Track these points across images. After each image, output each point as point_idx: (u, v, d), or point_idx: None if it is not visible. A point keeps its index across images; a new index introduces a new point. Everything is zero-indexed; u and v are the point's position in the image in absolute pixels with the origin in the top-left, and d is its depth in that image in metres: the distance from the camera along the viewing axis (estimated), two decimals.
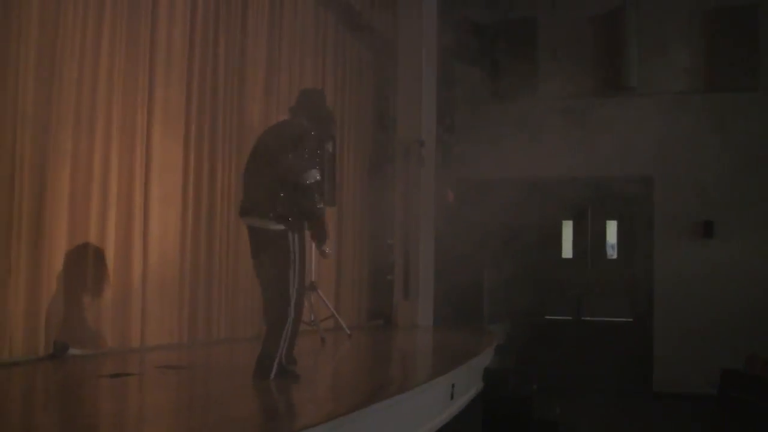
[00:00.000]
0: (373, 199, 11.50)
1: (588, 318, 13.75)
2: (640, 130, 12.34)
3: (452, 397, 5.77)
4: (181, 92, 7.48)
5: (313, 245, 5.98)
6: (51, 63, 6.00)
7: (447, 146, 12.83)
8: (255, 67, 8.64)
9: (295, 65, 9.50)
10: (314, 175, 5.28)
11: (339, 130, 10.71)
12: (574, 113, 12.57)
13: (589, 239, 14.58)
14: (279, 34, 9.15)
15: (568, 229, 15.02)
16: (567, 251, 15.01)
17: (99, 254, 6.48)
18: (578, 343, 12.79)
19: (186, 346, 7.26)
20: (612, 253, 15.08)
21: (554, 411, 7.91)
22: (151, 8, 7.12)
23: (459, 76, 13.45)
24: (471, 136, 13.07)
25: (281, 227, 5.13)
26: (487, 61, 13.19)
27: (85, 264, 6.37)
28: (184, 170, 7.51)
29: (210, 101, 7.91)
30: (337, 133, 10.32)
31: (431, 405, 5.30)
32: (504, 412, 7.39)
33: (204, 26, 7.84)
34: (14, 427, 3.60)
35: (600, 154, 12.46)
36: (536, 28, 13.27)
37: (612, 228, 14.96)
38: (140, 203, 6.92)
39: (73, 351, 6.09)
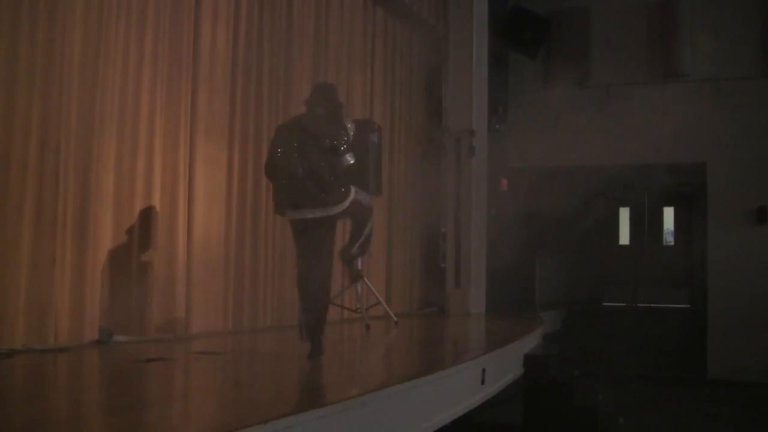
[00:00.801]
0: (425, 188, 11.67)
1: (644, 305, 13.72)
2: (692, 116, 12.24)
3: (483, 382, 5.93)
4: (225, 90, 7.72)
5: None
6: (95, 64, 6.28)
7: (500, 135, 12.91)
8: (301, 64, 8.86)
9: (342, 61, 9.71)
10: (348, 160, 5.65)
11: (390, 120, 10.95)
12: (628, 100, 12.53)
13: (646, 226, 14.56)
14: (325, 31, 9.37)
15: (625, 215, 15.04)
16: (624, 238, 15.04)
17: (144, 242, 6.77)
18: (633, 330, 12.77)
19: (231, 333, 7.53)
20: (669, 239, 15.06)
21: (596, 398, 7.98)
22: (194, 9, 7.38)
23: (512, 64, 13.54)
24: (525, 125, 13.13)
25: (340, 210, 5.56)
26: (541, 49, 13.22)
27: (130, 252, 6.68)
28: (229, 164, 7.76)
29: (255, 97, 8.14)
30: (385, 124, 10.58)
31: (459, 389, 5.48)
32: (544, 397, 7.53)
33: (248, 25, 8.07)
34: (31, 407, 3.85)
35: (653, 140, 12.42)
36: (589, 16, 13.24)
37: (669, 214, 14.94)
38: (184, 194, 7.20)
39: (117, 338, 6.42)
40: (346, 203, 5.65)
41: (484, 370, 5.96)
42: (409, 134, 11.47)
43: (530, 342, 8.26)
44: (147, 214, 6.86)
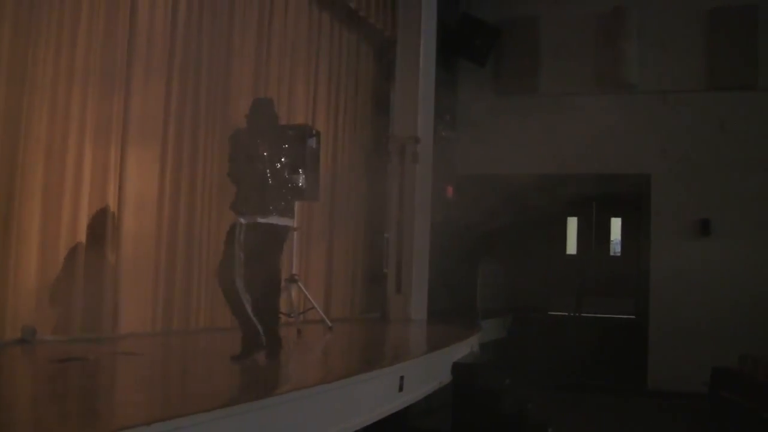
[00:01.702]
0: (369, 193, 11.66)
1: (589, 314, 13.79)
2: (639, 127, 12.36)
3: (401, 389, 5.91)
4: (160, 90, 7.62)
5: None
6: (24, 57, 6.17)
7: (447, 142, 12.93)
8: (242, 66, 8.80)
9: (285, 64, 9.67)
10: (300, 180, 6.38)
11: (334, 125, 10.93)
12: (576, 110, 12.61)
13: (593, 236, 14.66)
14: (268, 32, 9.32)
15: (572, 225, 15.14)
16: (571, 247, 15.13)
17: (71, 240, 6.68)
18: (577, 340, 12.82)
19: (159, 335, 7.46)
20: (617, 250, 15.18)
21: (525, 406, 8.01)
22: (130, 6, 7.29)
23: (461, 72, 13.57)
24: (473, 133, 13.17)
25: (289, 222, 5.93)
26: (490, 57, 13.27)
27: (57, 250, 6.57)
28: (162, 164, 7.68)
29: (191, 99, 8.04)
30: (328, 129, 10.57)
31: (373, 395, 5.46)
32: (472, 405, 7.54)
33: (187, 23, 7.97)
34: None
35: (600, 150, 12.52)
36: (538, 26, 13.32)
37: (617, 225, 15.05)
38: (114, 193, 7.10)
39: (42, 336, 6.34)
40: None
41: (402, 377, 5.94)
42: (354, 140, 11.44)
43: (462, 349, 8.26)
44: (75, 212, 6.77)
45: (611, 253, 15.11)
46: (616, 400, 11.87)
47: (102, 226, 7.00)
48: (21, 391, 4.64)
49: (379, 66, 12.16)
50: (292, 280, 8.74)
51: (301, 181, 6.24)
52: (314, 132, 8.90)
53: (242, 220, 5.70)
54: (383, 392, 5.67)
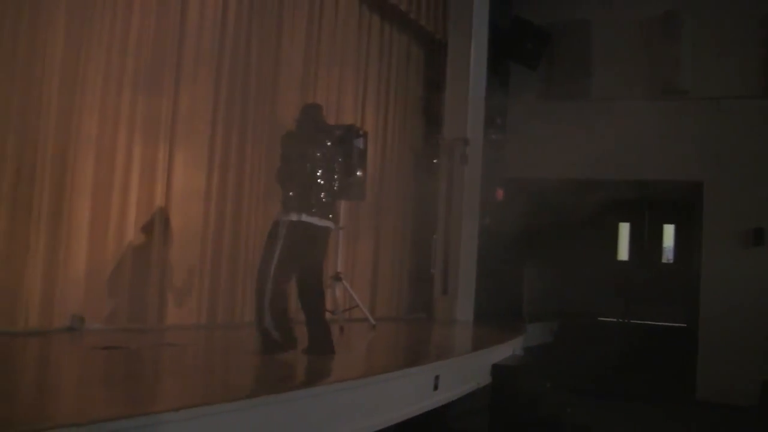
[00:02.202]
0: (417, 194, 11.72)
1: (638, 321, 13.66)
2: (691, 134, 12.18)
3: (436, 388, 5.96)
4: (208, 88, 7.82)
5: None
6: (77, 58, 6.45)
7: (497, 145, 12.92)
8: (290, 67, 8.95)
9: (334, 66, 9.79)
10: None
11: (383, 126, 11.01)
12: (628, 115, 12.48)
13: (645, 242, 14.51)
14: (317, 34, 9.46)
15: (624, 231, 14.99)
16: (623, 253, 14.99)
17: (119, 234, 6.91)
18: (625, 347, 12.68)
19: (204, 327, 7.63)
20: (669, 257, 14.98)
21: (565, 410, 7.99)
22: (181, 3, 7.49)
23: (513, 75, 13.55)
24: (524, 136, 13.12)
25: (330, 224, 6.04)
26: (541, 60, 13.23)
27: (105, 242, 6.80)
28: (210, 160, 7.87)
29: (240, 97, 8.22)
30: (377, 130, 10.66)
31: (406, 393, 5.52)
32: (509, 408, 7.55)
33: (236, 24, 8.16)
34: None
35: (651, 157, 12.36)
36: (590, 30, 13.21)
37: (669, 232, 14.86)
38: (162, 188, 7.34)
39: (90, 325, 6.54)
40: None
41: (437, 377, 5.99)
42: (403, 140, 11.51)
43: (503, 352, 8.27)
44: (124, 207, 6.99)
45: (663, 260, 14.91)
46: (663, 409, 11.71)
47: (149, 220, 7.22)
48: (63, 374, 4.83)
49: (430, 68, 12.20)
50: (337, 278, 8.85)
51: (338, 184, 6.23)
52: (362, 132, 9.00)
53: (285, 218, 5.80)
54: (417, 390, 5.72)
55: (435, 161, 11.82)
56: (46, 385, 4.51)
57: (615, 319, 13.84)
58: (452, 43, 11.82)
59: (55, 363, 5.41)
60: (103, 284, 6.82)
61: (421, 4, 11.14)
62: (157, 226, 7.28)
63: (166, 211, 7.40)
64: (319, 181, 5.96)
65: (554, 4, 13.19)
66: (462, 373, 6.70)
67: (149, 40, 7.15)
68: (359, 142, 8.90)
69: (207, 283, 7.82)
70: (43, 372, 5.01)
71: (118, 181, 6.92)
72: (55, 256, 6.32)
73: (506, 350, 8.42)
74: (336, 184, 6.12)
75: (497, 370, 7.66)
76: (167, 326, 7.26)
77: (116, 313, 6.91)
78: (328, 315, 8.84)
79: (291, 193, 5.89)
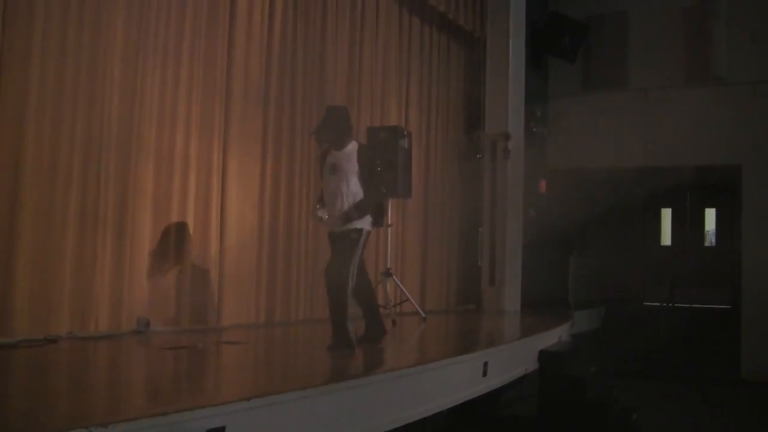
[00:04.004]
0: (463, 189, 12.07)
1: (684, 305, 13.88)
2: (729, 119, 12.36)
3: (485, 374, 6.33)
4: (258, 94, 8.20)
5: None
6: (134, 75, 6.89)
7: (539, 137, 13.23)
8: (335, 71, 9.34)
9: (377, 67, 10.17)
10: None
11: (426, 124, 11.37)
12: (665, 103, 12.72)
13: (688, 227, 14.70)
14: (360, 38, 9.83)
15: (667, 216, 15.19)
16: (666, 238, 15.20)
17: (179, 238, 7.34)
18: (671, 330, 12.93)
19: (262, 326, 8.07)
20: (712, 240, 15.16)
21: (611, 393, 8.28)
22: (228, 21, 7.91)
23: (551, 69, 13.83)
24: (564, 128, 13.40)
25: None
26: (579, 53, 13.49)
27: (167, 248, 7.24)
28: (262, 163, 8.27)
29: (289, 101, 8.61)
30: (421, 128, 11.01)
31: (456, 380, 5.90)
32: (557, 392, 7.87)
33: (282, 32, 8.57)
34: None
35: (690, 143, 12.58)
36: (627, 20, 13.43)
37: (711, 216, 15.04)
38: (218, 193, 7.75)
39: (154, 327, 7.02)
40: None
41: (485, 363, 6.35)
42: (446, 138, 11.86)
43: (550, 338, 8.60)
44: (183, 212, 7.42)
45: (706, 244, 15.11)
46: (709, 389, 11.94)
47: (207, 225, 7.65)
48: (139, 372, 5.30)
49: (470, 65, 12.52)
50: (387, 274, 9.23)
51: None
52: (406, 132, 9.37)
53: (366, 227, 6.15)
54: (467, 377, 6.09)
55: (478, 156, 12.14)
56: (129, 381, 4.97)
57: (660, 303, 14.07)
58: (491, 40, 12.15)
59: (130, 362, 5.86)
60: (165, 288, 7.25)
61: (459, 4, 11.45)
62: (214, 229, 7.72)
63: (222, 214, 7.83)
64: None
65: None
66: (510, 360, 7.05)
67: (201, 53, 7.57)
68: (404, 142, 9.28)
69: (264, 283, 8.24)
70: (124, 370, 5.49)
71: (177, 188, 7.34)
72: (121, 262, 6.76)
73: (553, 337, 8.74)
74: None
75: (544, 356, 7.99)
76: (227, 326, 7.67)
77: (179, 314, 7.35)
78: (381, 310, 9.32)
79: (369, 203, 6.19)
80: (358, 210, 6.05)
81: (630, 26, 13.41)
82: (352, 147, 6.22)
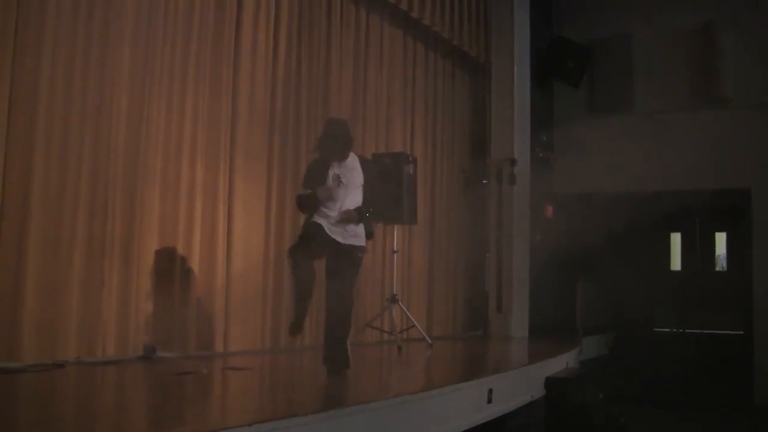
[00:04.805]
0: (469, 215, 12.05)
1: (695, 330, 13.77)
2: (736, 141, 12.32)
3: (490, 401, 6.27)
4: (264, 117, 8.25)
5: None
6: (141, 96, 6.94)
7: (545, 162, 13.22)
8: (339, 96, 9.38)
9: (381, 93, 10.20)
10: None
11: (432, 149, 11.38)
12: (672, 126, 12.70)
13: (698, 251, 14.62)
14: (364, 64, 9.87)
15: (676, 241, 15.12)
16: (675, 263, 15.11)
17: (185, 264, 7.36)
18: (682, 356, 12.80)
19: (267, 352, 8.04)
20: (723, 265, 15.06)
21: (618, 421, 8.22)
22: (233, 41, 7.98)
23: (557, 93, 13.85)
24: (570, 152, 13.38)
25: None
26: (584, 77, 13.50)
27: (173, 274, 7.26)
28: (268, 186, 8.30)
29: (293, 127, 8.64)
30: (426, 153, 11.02)
31: (460, 406, 5.84)
32: (564, 419, 7.81)
33: (287, 55, 8.61)
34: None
35: (698, 166, 12.52)
36: (631, 44, 13.44)
37: (721, 240, 14.95)
38: (224, 217, 7.76)
39: (160, 353, 7.00)
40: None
41: (490, 390, 6.30)
42: (452, 163, 11.86)
43: (556, 365, 8.54)
44: (189, 238, 7.45)
45: (717, 268, 15.01)
46: (721, 416, 11.80)
47: (213, 250, 7.66)
48: (145, 398, 5.28)
49: (474, 91, 12.54)
50: (393, 300, 9.21)
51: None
52: (411, 159, 9.38)
53: (364, 245, 6.16)
54: (471, 404, 6.04)
55: (484, 182, 12.13)
56: (134, 406, 4.96)
57: (670, 329, 13.96)
58: (496, 65, 12.18)
59: (136, 388, 5.86)
60: (172, 314, 7.25)
61: (463, 30, 11.49)
62: (220, 255, 7.72)
63: (227, 239, 7.84)
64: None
65: (594, 22, 13.46)
66: (515, 387, 6.99)
67: (206, 79, 7.61)
68: (409, 168, 9.29)
69: (270, 309, 8.23)
70: (129, 395, 5.49)
71: (183, 214, 7.36)
72: (128, 288, 6.80)
73: (560, 363, 8.68)
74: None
75: (550, 382, 7.93)
76: (233, 351, 7.66)
77: (185, 340, 7.34)
78: (385, 336, 9.29)
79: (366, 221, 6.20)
80: (359, 214, 6.08)
81: (635, 49, 13.40)
82: (353, 159, 6.23)
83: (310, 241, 6.02)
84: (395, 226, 9.52)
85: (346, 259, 6.09)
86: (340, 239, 6.04)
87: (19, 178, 5.96)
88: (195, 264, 7.48)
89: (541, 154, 12.96)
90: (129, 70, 6.84)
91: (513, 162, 11.77)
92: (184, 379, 5.86)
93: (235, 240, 7.89)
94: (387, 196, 8.78)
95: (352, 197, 6.12)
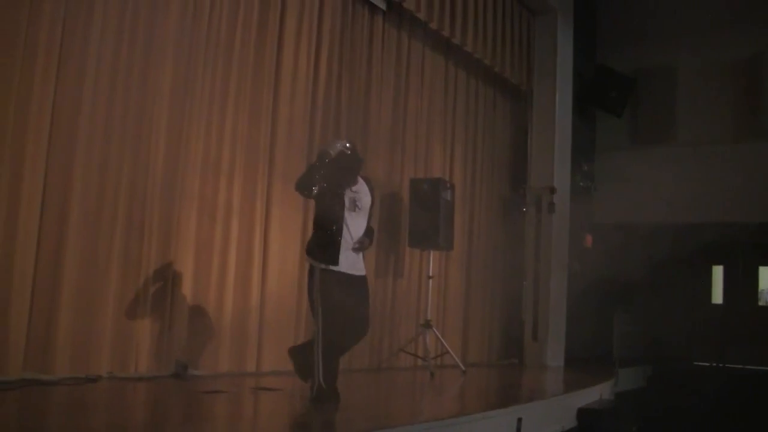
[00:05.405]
0: (506, 242, 12.00)
1: (736, 365, 13.52)
2: None
3: (519, 430, 6.22)
4: (302, 143, 8.30)
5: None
6: (180, 119, 7.07)
7: (586, 192, 13.14)
8: (379, 121, 9.43)
9: (422, 118, 10.23)
10: None
11: (471, 176, 11.36)
12: (715, 158, 12.58)
13: (740, 285, 14.38)
14: (405, 90, 9.92)
15: (718, 274, 14.89)
16: (717, 296, 14.87)
17: (220, 284, 7.43)
18: (722, 391, 12.57)
19: None
20: (766, 299, 14.79)
21: None
22: (275, 67, 8.07)
23: (599, 122, 13.78)
24: (612, 182, 13.30)
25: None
26: (627, 107, 13.43)
27: (207, 293, 7.33)
28: (305, 211, 8.34)
29: None
30: (465, 180, 11.02)
31: None
32: None
33: (327, 78, 8.69)
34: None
35: (741, 199, 12.36)
36: (675, 75, 13.36)
37: (765, 274, 14.70)
38: (260, 239, 7.82)
39: (192, 371, 7.06)
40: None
41: (519, 419, 6.25)
42: (491, 191, 11.83)
43: (590, 396, 8.44)
44: (225, 258, 7.51)
45: (760, 303, 14.74)
46: None
47: (249, 271, 7.71)
48: (173, 414, 5.35)
49: (515, 118, 12.52)
50: (427, 325, 9.20)
51: None
52: (449, 185, 9.40)
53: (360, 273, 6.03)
54: None
55: (523, 210, 12.09)
56: (162, 423, 5.04)
57: (710, 363, 13.72)
58: (537, 93, 12.17)
59: (166, 405, 5.90)
60: (204, 332, 7.33)
61: (505, 57, 11.48)
62: (255, 276, 7.77)
63: (264, 261, 7.90)
64: None
65: (638, 52, 13.41)
66: (545, 416, 6.92)
67: (246, 101, 7.72)
68: (447, 194, 9.31)
69: (303, 330, 8.24)
70: (159, 412, 5.56)
71: (219, 234, 7.44)
72: (162, 306, 6.90)
73: (593, 394, 8.57)
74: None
75: (582, 413, 7.84)
76: (266, 371, 7.70)
77: (217, 359, 7.40)
78: (418, 361, 9.26)
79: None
80: (369, 239, 5.98)
81: (679, 80, 13.33)
82: (360, 181, 6.08)
83: (339, 291, 5.75)
84: (431, 252, 9.52)
85: (363, 290, 6.00)
86: (354, 272, 5.88)
87: (58, 196, 6.10)
88: (230, 284, 7.54)
89: (581, 183, 12.90)
90: (169, 92, 6.99)
91: (553, 190, 11.72)
92: (215, 398, 5.92)
93: (270, 261, 7.95)
94: (423, 221, 8.83)
95: (368, 220, 6.03)
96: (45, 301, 6.00)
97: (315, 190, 5.79)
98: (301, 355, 6.01)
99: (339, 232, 5.76)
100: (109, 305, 6.46)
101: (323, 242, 5.79)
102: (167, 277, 6.95)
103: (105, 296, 6.43)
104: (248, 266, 7.73)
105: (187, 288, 7.16)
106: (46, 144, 5.99)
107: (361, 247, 5.87)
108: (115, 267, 6.53)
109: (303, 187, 5.83)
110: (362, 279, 5.96)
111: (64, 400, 5.40)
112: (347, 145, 5.98)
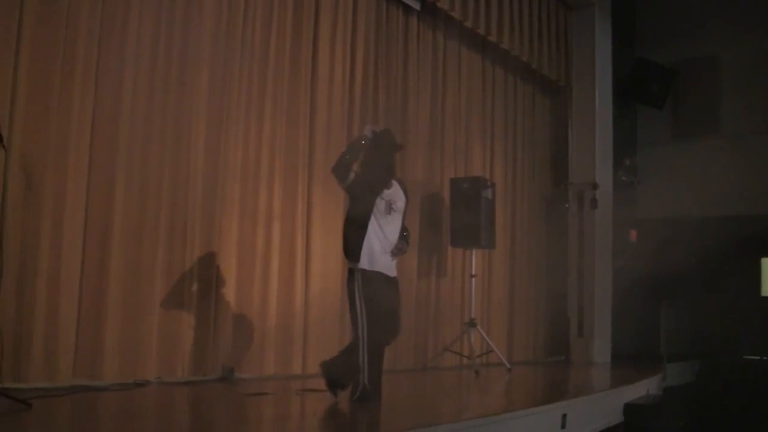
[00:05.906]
0: (549, 239, 11.95)
1: None
2: None
3: (563, 426, 6.20)
4: (341, 142, 8.11)
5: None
6: (218, 130, 7.17)
7: (629, 186, 13.04)
8: (418, 121, 9.45)
9: (460, 117, 10.23)
10: None
11: (512, 174, 11.33)
12: (759, 149, 12.39)
13: None
14: (442, 89, 9.93)
15: (767, 266, 14.65)
16: (766, 289, 14.63)
17: (263, 288, 7.52)
18: None
19: None
20: None
21: None
22: (311, 71, 8.14)
23: (640, 116, 13.65)
24: (655, 176, 13.17)
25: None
26: (668, 99, 13.29)
27: (251, 297, 7.42)
28: (345, 210, 8.36)
29: None
30: (507, 178, 11.00)
31: (534, 430, 5.80)
32: None
33: (364, 81, 8.75)
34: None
35: None
36: (717, 65, 13.19)
37: None
38: (302, 243, 7.90)
39: (238, 374, 7.15)
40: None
41: (564, 415, 6.23)
42: (533, 188, 11.79)
43: (636, 391, 8.37)
44: (267, 263, 7.59)
45: None
46: None
47: (292, 276, 7.80)
48: (218, 416, 5.40)
49: (555, 114, 12.47)
50: (471, 324, 9.21)
51: None
52: (489, 183, 9.39)
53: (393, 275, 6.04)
54: (545, 429, 5.98)
55: (566, 206, 12.02)
56: (209, 425, 5.13)
57: (760, 357, 13.51)
58: (576, 88, 12.10)
59: (212, 407, 5.98)
60: (250, 336, 7.42)
61: (543, 53, 11.42)
62: (299, 280, 7.85)
63: (307, 266, 7.97)
64: None
65: (678, 43, 13.26)
66: (591, 412, 6.88)
67: (283, 107, 7.79)
68: (487, 193, 9.31)
69: (347, 332, 8.26)
70: (206, 415, 5.63)
71: (261, 240, 7.52)
72: (207, 311, 7.00)
73: (640, 390, 8.50)
74: None
75: (629, 409, 7.78)
76: (311, 374, 7.74)
77: (262, 362, 7.49)
78: (464, 360, 9.27)
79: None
80: (407, 242, 6.01)
81: (721, 71, 13.15)
82: (395, 183, 6.01)
83: (380, 291, 5.75)
84: (474, 251, 9.52)
85: (397, 291, 6.03)
86: (390, 274, 5.89)
87: (101, 205, 6.22)
88: (273, 287, 7.62)
89: (624, 178, 12.79)
90: (206, 100, 7.07)
91: (595, 186, 11.64)
92: (260, 400, 6.00)
93: (312, 263, 8.01)
94: (464, 220, 8.84)
95: (404, 222, 6.00)
96: (92, 309, 6.12)
97: (352, 176, 5.78)
98: (333, 369, 6.02)
99: (374, 233, 5.75)
100: (155, 311, 6.59)
101: (360, 243, 5.74)
102: (211, 282, 7.05)
103: (151, 302, 6.56)
104: (291, 269, 7.80)
105: (230, 292, 7.25)
106: (88, 157, 6.12)
107: (399, 252, 5.90)
108: (159, 273, 6.65)
109: (340, 169, 5.81)
110: (395, 280, 5.98)
111: (115, 406, 5.50)
112: (384, 129, 6.03)
